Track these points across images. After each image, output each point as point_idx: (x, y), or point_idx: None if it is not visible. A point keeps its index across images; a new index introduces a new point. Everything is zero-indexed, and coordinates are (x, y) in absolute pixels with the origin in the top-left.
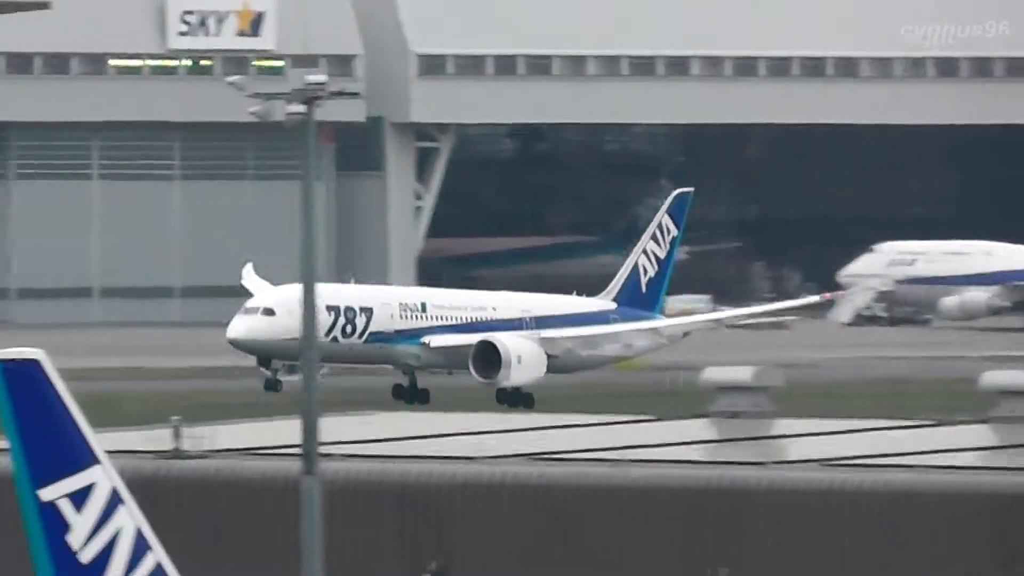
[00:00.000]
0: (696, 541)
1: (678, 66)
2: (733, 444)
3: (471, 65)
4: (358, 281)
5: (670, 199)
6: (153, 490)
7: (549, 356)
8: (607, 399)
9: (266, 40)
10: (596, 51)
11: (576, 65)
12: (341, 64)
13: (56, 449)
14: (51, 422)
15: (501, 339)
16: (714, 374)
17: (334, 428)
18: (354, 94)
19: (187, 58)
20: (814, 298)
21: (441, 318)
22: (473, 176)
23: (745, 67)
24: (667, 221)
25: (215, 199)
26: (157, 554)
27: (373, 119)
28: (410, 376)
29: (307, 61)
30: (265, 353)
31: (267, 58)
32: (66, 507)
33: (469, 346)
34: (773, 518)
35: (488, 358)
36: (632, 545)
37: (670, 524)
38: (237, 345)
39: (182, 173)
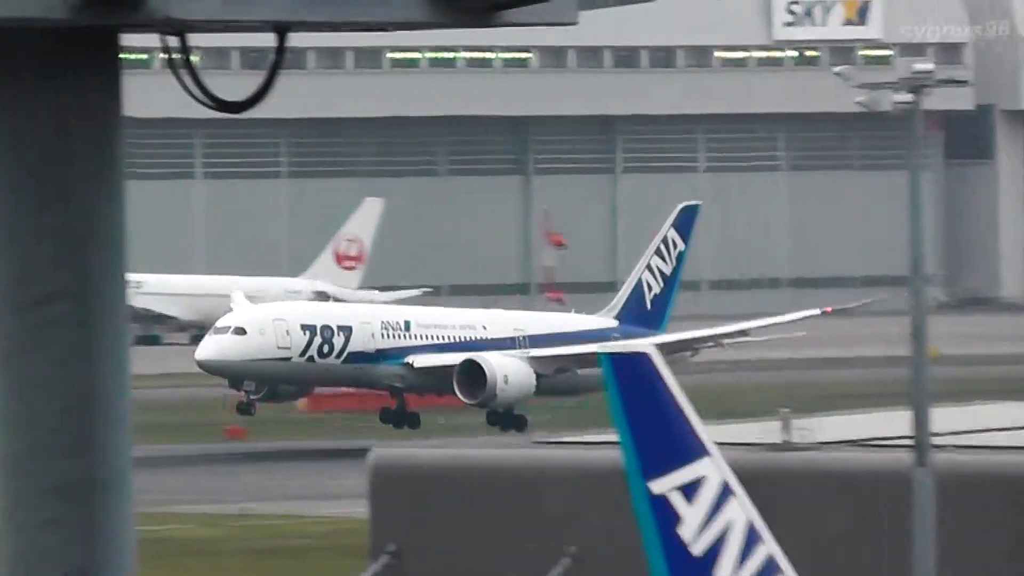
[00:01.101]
0: None
1: None
2: None
3: None
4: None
5: (675, 212)
6: (762, 482)
7: (539, 375)
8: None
9: (873, 29)
10: None
11: None
12: (949, 52)
13: (666, 442)
14: (661, 414)
15: (486, 358)
16: None
17: (943, 418)
18: (962, 82)
19: (793, 49)
20: (815, 311)
21: (426, 337)
22: None
23: None
24: (673, 235)
25: (821, 189)
26: (769, 547)
27: (983, 107)
28: (398, 399)
29: (914, 50)
30: (236, 375)
31: (874, 47)
32: (677, 499)
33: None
34: None
35: (473, 378)
36: None
37: None
38: (206, 367)
39: (788, 164)
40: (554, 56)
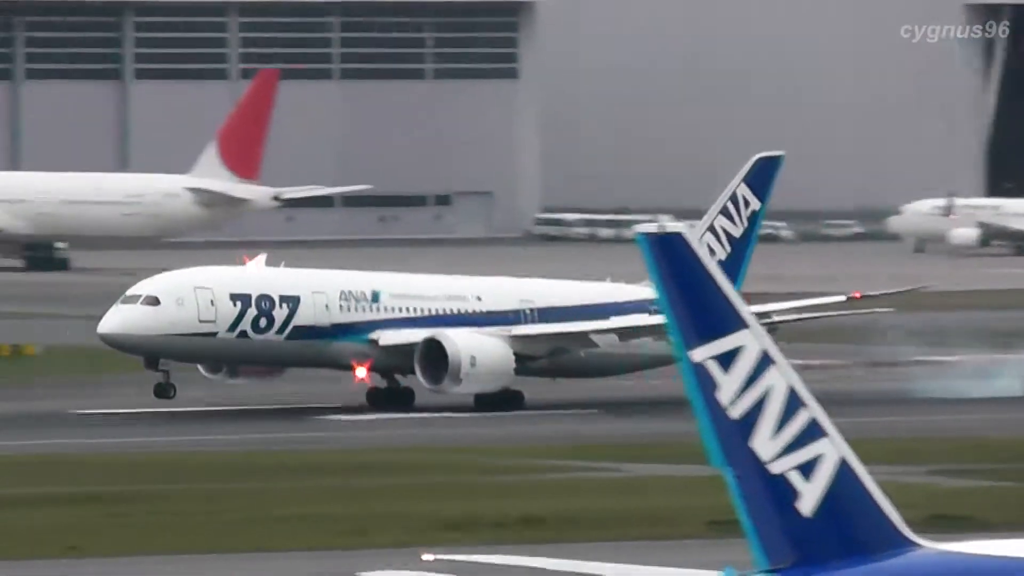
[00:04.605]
0: None
1: None
2: None
3: None
4: None
5: (749, 165)
6: None
7: (526, 357)
8: None
9: None
10: None
11: None
12: None
13: (702, 315)
14: (697, 290)
15: (449, 335)
16: None
17: None
18: None
19: None
20: (840, 297)
21: (401, 310)
22: None
23: None
24: (744, 192)
25: None
26: (811, 411)
27: None
28: (388, 377)
29: None
30: (146, 351)
31: None
32: (714, 368)
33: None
34: None
35: (437, 359)
36: None
37: None
38: (110, 341)
39: None
40: None
